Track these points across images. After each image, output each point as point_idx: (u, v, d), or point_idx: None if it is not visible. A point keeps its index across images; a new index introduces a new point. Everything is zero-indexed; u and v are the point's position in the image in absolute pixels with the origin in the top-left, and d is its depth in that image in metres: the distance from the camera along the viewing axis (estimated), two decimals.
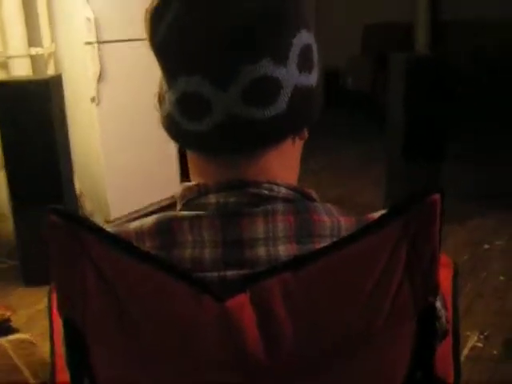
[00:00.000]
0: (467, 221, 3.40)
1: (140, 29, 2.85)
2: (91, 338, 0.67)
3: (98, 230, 0.61)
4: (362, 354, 0.66)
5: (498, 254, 2.99)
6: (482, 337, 2.20)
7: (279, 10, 0.62)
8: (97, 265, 0.61)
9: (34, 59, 3.04)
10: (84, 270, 0.62)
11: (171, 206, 3.89)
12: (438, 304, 0.71)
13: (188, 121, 0.63)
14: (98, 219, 3.38)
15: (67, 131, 2.79)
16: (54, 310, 1.06)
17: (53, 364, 1.00)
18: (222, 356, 0.60)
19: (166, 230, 0.65)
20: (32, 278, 2.72)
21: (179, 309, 0.59)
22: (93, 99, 3.21)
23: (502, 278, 2.71)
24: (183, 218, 0.65)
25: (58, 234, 0.61)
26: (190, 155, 0.70)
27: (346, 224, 0.68)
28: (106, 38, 3.22)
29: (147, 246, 0.65)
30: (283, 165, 0.68)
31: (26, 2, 2.96)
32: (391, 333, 0.66)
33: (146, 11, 0.67)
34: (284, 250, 0.63)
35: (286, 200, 0.66)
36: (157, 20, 0.65)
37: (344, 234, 0.66)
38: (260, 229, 0.64)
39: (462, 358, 2.07)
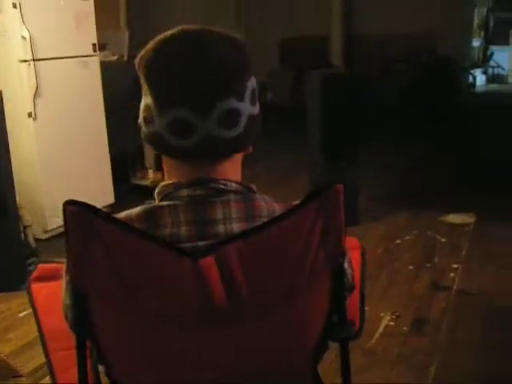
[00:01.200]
0: (381, 219, 3.79)
1: (73, 47, 3.13)
2: (94, 300, 0.89)
3: (106, 216, 0.84)
4: (294, 303, 0.93)
5: (408, 247, 3.38)
6: (394, 317, 2.54)
7: (240, 63, 0.89)
8: (104, 242, 0.83)
9: None
10: (93, 247, 0.84)
11: None
12: (346, 265, 0.98)
13: (175, 139, 0.88)
14: (37, 230, 3.49)
15: (8, 146, 2.91)
16: (34, 297, 1.28)
17: (42, 338, 1.21)
18: (195, 302, 0.84)
19: (151, 215, 0.89)
20: None
21: (165, 268, 0.83)
22: (30, 114, 3.34)
23: (411, 267, 3.09)
24: (163, 206, 0.90)
25: (74, 219, 0.84)
26: (168, 161, 0.94)
27: (278, 208, 0.95)
28: (41, 55, 3.35)
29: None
30: (233, 168, 0.95)
31: None
32: (313, 286, 0.94)
33: (141, 58, 0.90)
34: (237, 227, 0.89)
35: (236, 192, 0.92)
36: (151, 66, 0.89)
37: (277, 214, 0.92)
38: (219, 213, 0.89)
39: (377, 335, 2.40)
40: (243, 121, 0.90)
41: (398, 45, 9.31)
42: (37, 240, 3.47)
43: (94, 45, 3.76)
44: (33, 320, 2.62)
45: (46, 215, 3.51)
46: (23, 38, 3.22)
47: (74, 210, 0.83)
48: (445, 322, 2.48)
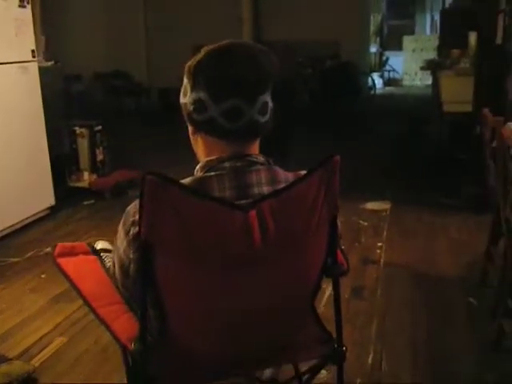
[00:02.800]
0: None
1: (13, 53, 3.42)
2: (161, 252, 1.15)
3: (175, 182, 1.10)
4: (306, 245, 1.25)
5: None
6: None
7: (271, 67, 1.20)
8: (172, 203, 1.10)
9: None
10: (163, 206, 1.10)
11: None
12: (338, 220, 1.31)
13: (228, 122, 1.17)
14: None
15: None
16: (65, 269, 1.51)
17: (85, 300, 1.43)
18: (243, 246, 1.13)
19: (201, 182, 1.18)
20: None
21: (221, 219, 1.12)
22: None
23: (342, 247, 3.48)
24: (211, 176, 1.18)
25: (150, 186, 1.09)
26: (209, 141, 1.22)
27: (290, 175, 1.26)
28: None
29: None
30: (257, 147, 1.26)
31: None
32: (318, 232, 1.26)
33: (197, 62, 1.19)
34: (266, 189, 1.20)
35: (262, 163, 1.23)
36: (208, 68, 1.17)
37: (291, 180, 1.23)
38: (254, 179, 1.20)
39: (324, 302, 2.76)
40: (269, 110, 1.22)
41: (305, 51, 9.89)
42: None
43: (32, 51, 3.87)
44: (6, 312, 2.74)
45: None
46: None
47: (151, 178, 1.09)
48: (379, 288, 2.90)
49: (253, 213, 1.13)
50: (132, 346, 1.25)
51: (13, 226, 3.79)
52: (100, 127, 4.70)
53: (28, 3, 3.81)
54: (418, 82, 13.80)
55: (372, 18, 13.53)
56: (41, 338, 2.49)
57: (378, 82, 13.31)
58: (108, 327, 1.35)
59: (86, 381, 2.18)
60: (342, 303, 2.69)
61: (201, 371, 1.35)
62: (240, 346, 1.31)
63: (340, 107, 8.95)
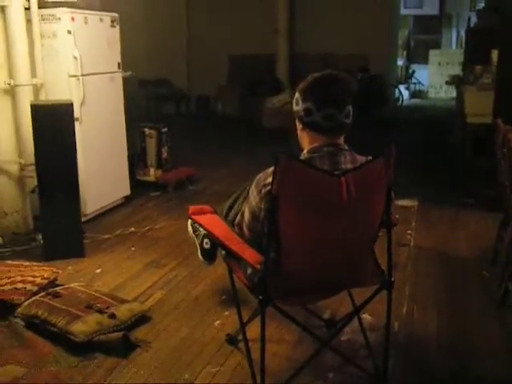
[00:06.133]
0: None
1: (105, 65, 4.50)
2: (284, 202, 1.83)
3: (297, 158, 1.79)
4: (373, 204, 1.93)
5: None
6: None
7: (353, 87, 1.89)
8: (294, 171, 1.78)
9: (34, 88, 3.93)
10: (288, 173, 1.78)
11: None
12: (392, 191, 2.00)
13: (325, 123, 1.87)
14: None
15: (76, 144, 3.69)
16: (200, 222, 2.21)
17: (219, 240, 2.12)
18: (336, 200, 1.82)
19: (310, 159, 1.87)
20: (52, 254, 3.61)
21: (324, 182, 1.80)
22: (77, 119, 4.14)
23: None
24: (315, 156, 1.88)
25: (282, 161, 1.77)
26: (312, 135, 1.92)
27: (363, 158, 1.95)
28: (85, 71, 4.17)
29: None
30: (343, 138, 1.94)
31: (29, 41, 3.87)
32: (379, 197, 1.94)
33: (308, 84, 1.89)
34: (349, 166, 1.89)
35: (347, 150, 1.92)
36: (315, 88, 1.89)
37: (363, 161, 1.92)
38: (342, 159, 1.90)
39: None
40: (351, 115, 1.91)
41: (337, 64, 10.55)
42: None
43: (118, 63, 4.62)
44: (108, 274, 3.43)
45: (86, 202, 4.31)
46: (75, 57, 4.04)
47: (283, 156, 1.77)
48: (409, 264, 3.56)
49: (342, 179, 1.82)
50: (259, 267, 1.94)
51: (99, 209, 4.53)
52: (166, 129, 5.44)
53: (117, 24, 4.57)
54: (442, 95, 14.35)
55: (399, 32, 14.16)
56: (144, 291, 3.20)
57: (404, 94, 13.90)
58: (240, 256, 2.03)
59: (187, 318, 2.87)
60: None
61: (300, 289, 2.03)
62: (329, 273, 1.99)
63: (369, 117, 9.60)
